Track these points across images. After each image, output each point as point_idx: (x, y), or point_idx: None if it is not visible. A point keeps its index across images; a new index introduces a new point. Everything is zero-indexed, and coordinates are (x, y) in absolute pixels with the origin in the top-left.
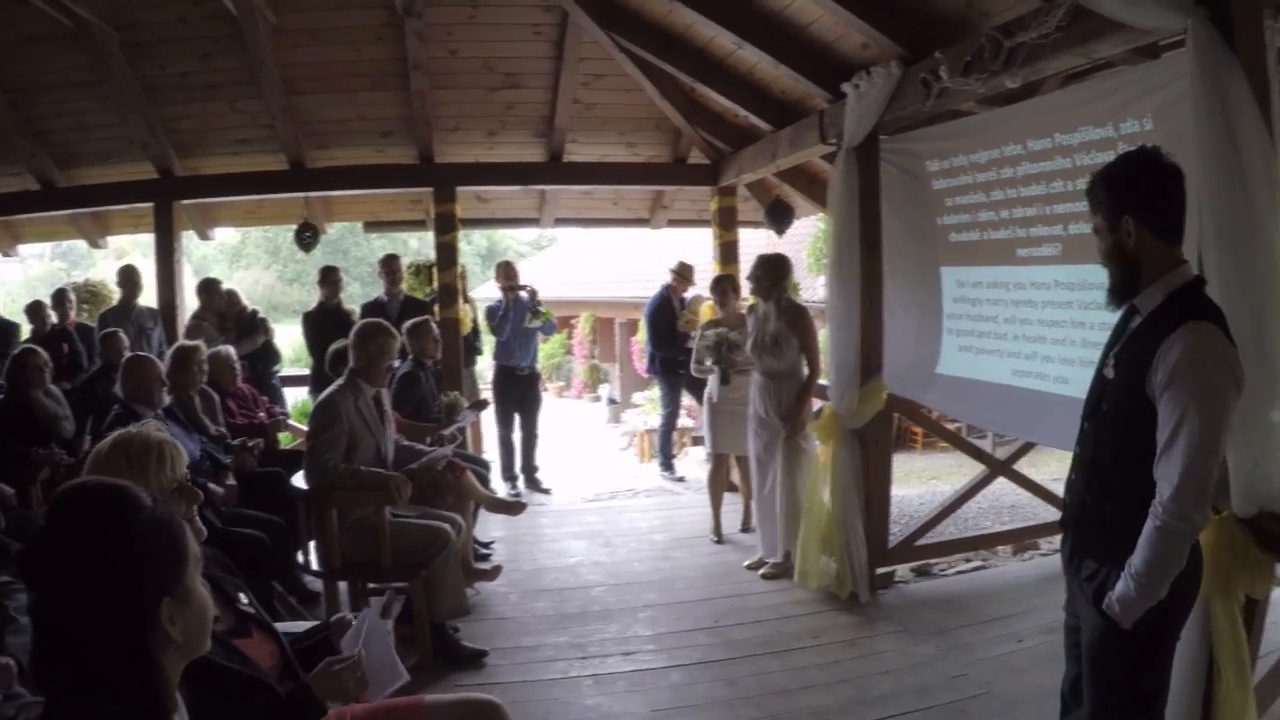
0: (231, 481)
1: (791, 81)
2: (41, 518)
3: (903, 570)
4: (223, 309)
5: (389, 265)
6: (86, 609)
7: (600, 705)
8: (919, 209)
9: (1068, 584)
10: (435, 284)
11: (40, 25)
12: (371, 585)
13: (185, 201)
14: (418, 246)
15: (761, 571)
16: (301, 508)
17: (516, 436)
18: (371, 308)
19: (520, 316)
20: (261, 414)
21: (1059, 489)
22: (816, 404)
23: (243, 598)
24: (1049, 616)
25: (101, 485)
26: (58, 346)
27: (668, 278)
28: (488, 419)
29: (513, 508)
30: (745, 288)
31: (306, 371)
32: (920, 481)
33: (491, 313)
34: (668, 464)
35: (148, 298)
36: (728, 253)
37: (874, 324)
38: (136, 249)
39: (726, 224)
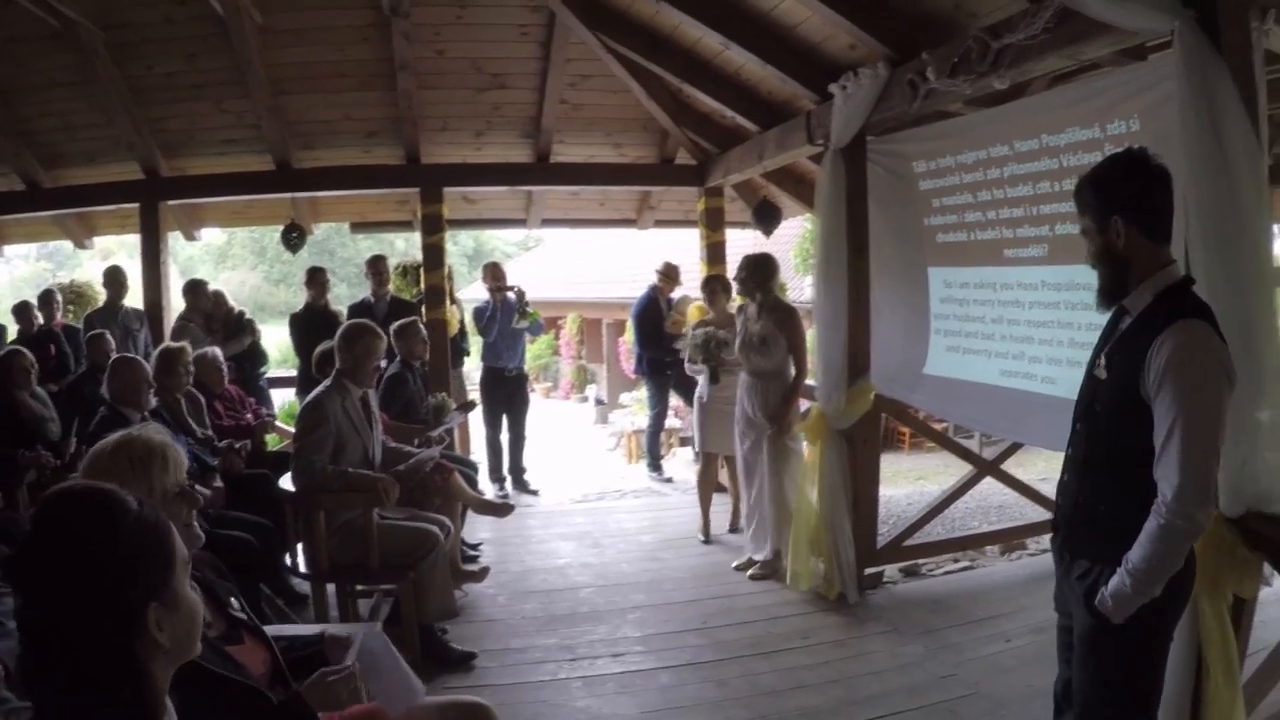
0: (219, 483)
1: (779, 82)
2: (27, 521)
3: (891, 570)
4: (209, 310)
5: (376, 266)
6: (72, 614)
7: (590, 707)
8: (906, 209)
9: (1059, 585)
10: (422, 285)
11: (26, 25)
12: (360, 587)
13: (171, 202)
14: (404, 247)
15: (750, 572)
16: (289, 510)
17: (504, 438)
18: (358, 309)
19: (508, 317)
20: (248, 415)
21: (1046, 489)
22: (804, 404)
23: (235, 603)
24: (1037, 616)
25: (87, 489)
26: (44, 348)
27: (654, 278)
28: (475, 420)
29: (501, 509)
30: (734, 287)
31: (293, 373)
32: (907, 482)
33: (479, 314)
34: (656, 465)
35: (134, 299)
36: (715, 253)
37: (861, 324)
38: (122, 249)
39: (713, 225)
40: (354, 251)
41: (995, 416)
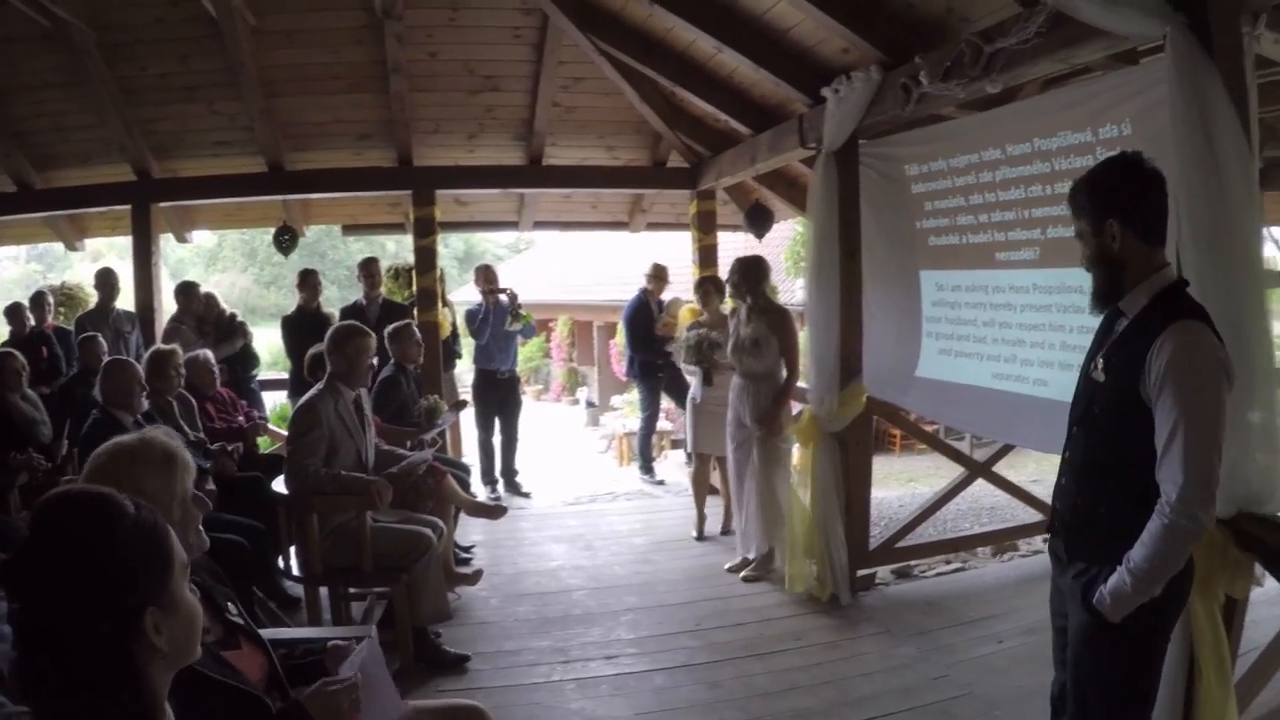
0: (211, 486)
1: (771, 86)
2: (19, 523)
3: (883, 572)
4: (201, 312)
5: (368, 268)
6: (69, 618)
7: (584, 709)
8: (898, 213)
9: (1056, 587)
10: (414, 287)
11: (17, 25)
12: (352, 590)
13: (163, 204)
14: (395, 249)
15: (743, 574)
16: (282, 513)
17: (496, 440)
18: (350, 311)
19: (500, 320)
20: (240, 418)
21: (1038, 490)
22: (796, 407)
23: (231, 608)
24: (1029, 617)
25: (84, 493)
26: (36, 350)
27: (644, 282)
28: (467, 423)
29: (493, 511)
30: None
31: (284, 375)
32: (898, 483)
33: (471, 316)
34: (647, 467)
35: (125, 301)
36: (707, 256)
37: (854, 327)
38: (113, 251)
39: (705, 227)
40: (344, 254)
41: (987, 419)
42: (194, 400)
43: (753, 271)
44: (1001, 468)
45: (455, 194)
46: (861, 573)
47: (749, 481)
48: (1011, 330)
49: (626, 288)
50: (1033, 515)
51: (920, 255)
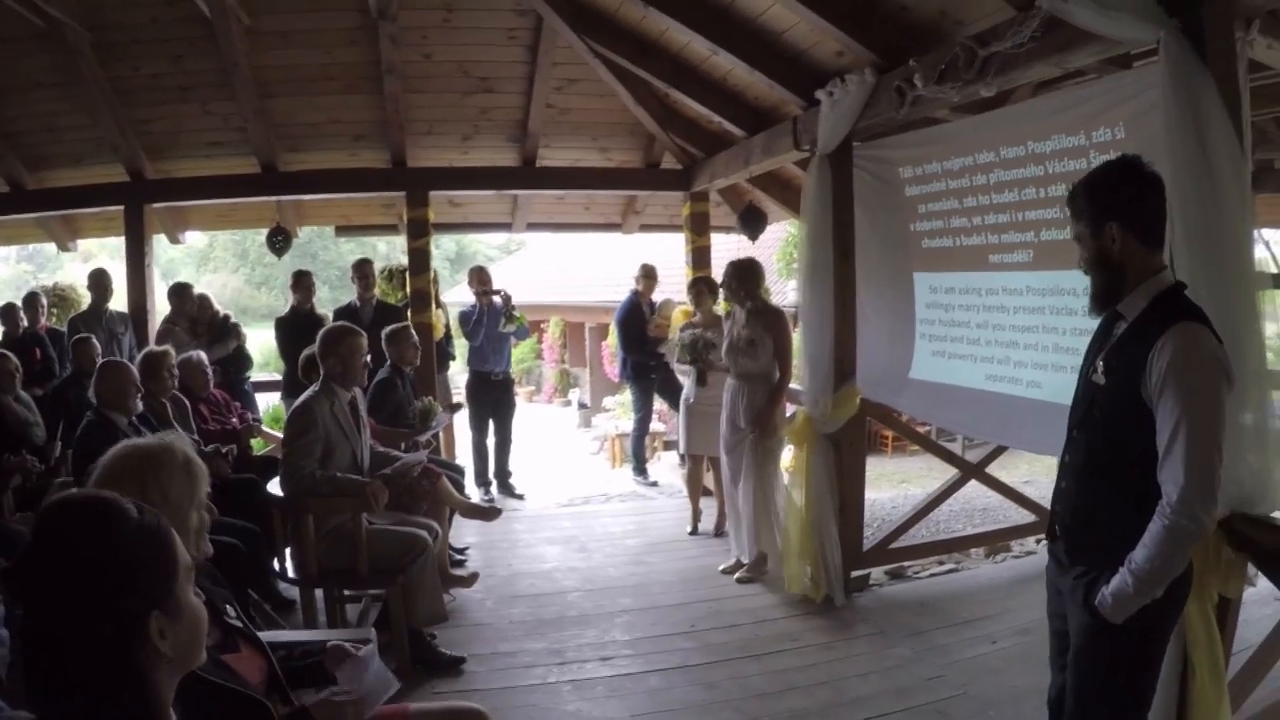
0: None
1: (765, 88)
2: (14, 525)
3: (877, 573)
4: (194, 314)
5: (362, 270)
6: (73, 624)
7: (580, 711)
8: (892, 215)
9: (1056, 589)
10: (408, 289)
11: (10, 25)
12: (348, 592)
13: (156, 205)
14: (386, 250)
15: (737, 575)
16: (277, 515)
17: (490, 442)
18: (344, 313)
19: (494, 322)
20: (234, 420)
21: (1030, 492)
22: (790, 408)
23: (230, 611)
24: (1023, 618)
25: (87, 497)
26: (29, 351)
27: (635, 284)
28: (461, 425)
29: (488, 513)
30: (721, 292)
31: (275, 376)
32: (891, 484)
33: (465, 318)
34: (641, 469)
35: (118, 302)
36: (700, 258)
37: (847, 329)
38: (104, 251)
39: (699, 229)
40: (335, 255)
41: (981, 420)
42: (188, 402)
43: (748, 274)
44: (994, 469)
45: (449, 195)
46: (855, 574)
47: (743, 484)
48: (1005, 332)
49: (618, 289)
50: (1025, 516)
51: (914, 257)
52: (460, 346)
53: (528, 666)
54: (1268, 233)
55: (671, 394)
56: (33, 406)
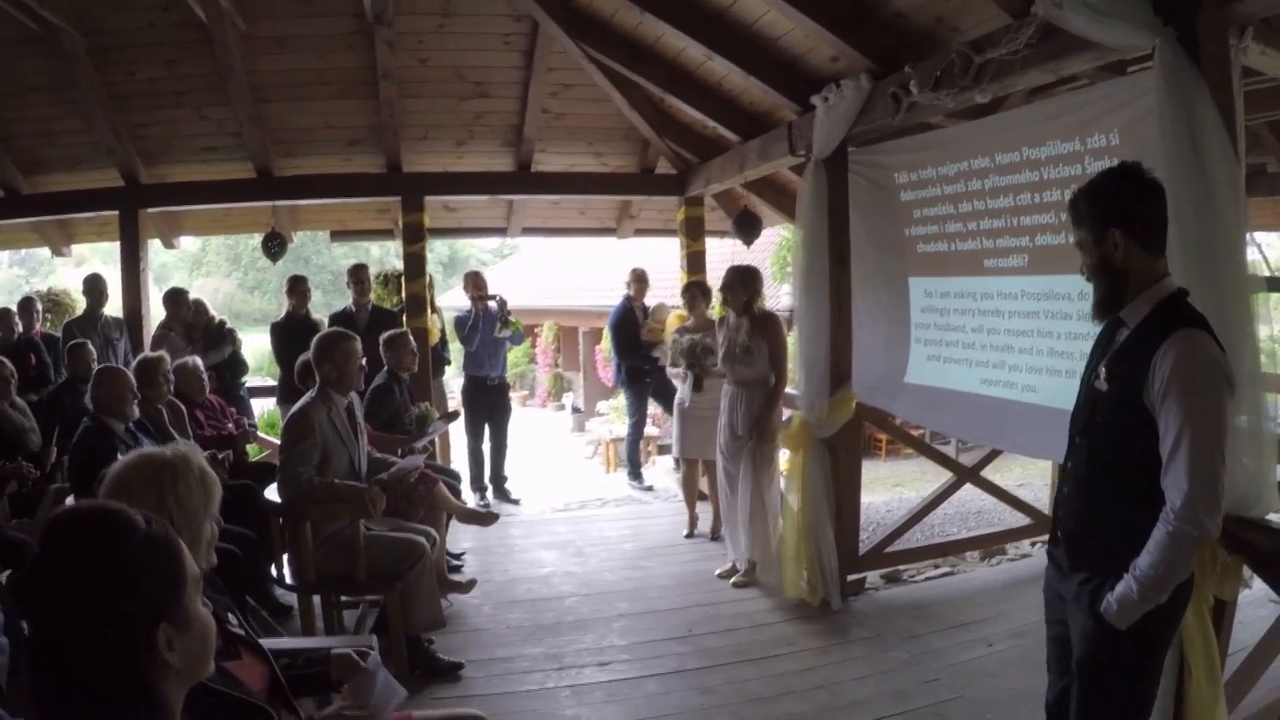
0: None
1: (761, 93)
2: (11, 532)
3: (873, 577)
4: (190, 319)
5: (357, 275)
6: (81, 636)
7: (579, 716)
8: (887, 220)
9: (1056, 594)
10: (403, 294)
11: (5, 29)
12: (345, 598)
13: (151, 210)
14: (379, 254)
15: (733, 580)
16: (274, 521)
17: (485, 447)
18: (340, 318)
19: (490, 326)
20: (230, 425)
21: (1024, 494)
22: (786, 413)
23: (232, 618)
24: (1018, 620)
25: (94, 509)
26: (24, 357)
27: (627, 288)
28: (456, 430)
29: (485, 518)
30: (722, 297)
31: (269, 382)
32: (885, 488)
33: (460, 323)
34: (636, 473)
35: (112, 307)
36: (695, 262)
37: (843, 333)
38: (96, 255)
39: (693, 234)
40: (329, 259)
41: (976, 424)
42: (184, 407)
43: (751, 281)
44: (988, 472)
45: (444, 200)
46: (851, 578)
47: (741, 490)
48: (1000, 336)
49: (612, 293)
50: (1020, 519)
51: (909, 262)
52: (456, 351)
53: (526, 672)
54: (1260, 236)
55: (666, 398)
56: (28, 412)
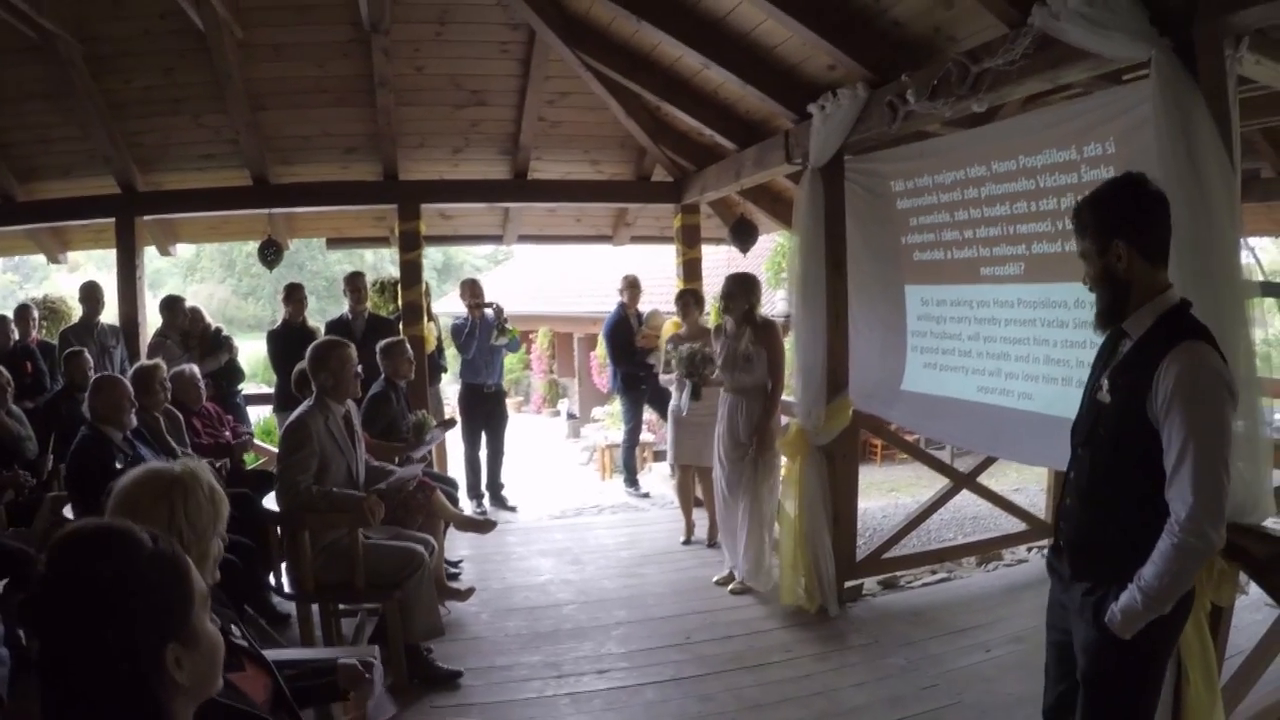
0: None
1: (757, 101)
2: (7, 540)
3: (870, 583)
4: (186, 327)
5: (354, 283)
6: (89, 656)
7: None
8: (884, 228)
9: (1058, 603)
10: (399, 301)
11: (3, 36)
12: (343, 606)
13: (147, 217)
14: (374, 261)
15: (730, 587)
16: (272, 529)
17: (482, 454)
18: (336, 325)
19: (486, 334)
20: (227, 433)
21: (1019, 500)
22: (784, 420)
23: (235, 630)
24: (1015, 626)
25: (101, 527)
26: (20, 364)
27: (620, 296)
28: (453, 437)
29: (483, 526)
30: (709, 303)
31: (268, 390)
32: (880, 494)
33: (457, 331)
34: (632, 480)
35: (108, 314)
36: (691, 270)
37: (840, 341)
38: (90, 262)
39: (689, 241)
40: (323, 265)
41: (972, 432)
42: (180, 416)
43: (750, 289)
44: (984, 478)
45: (440, 208)
46: (849, 584)
47: (741, 497)
48: (996, 344)
49: (606, 300)
50: (1016, 525)
51: (905, 270)
52: (452, 358)
53: (524, 680)
54: (1253, 240)
55: (661, 404)
56: (24, 420)
